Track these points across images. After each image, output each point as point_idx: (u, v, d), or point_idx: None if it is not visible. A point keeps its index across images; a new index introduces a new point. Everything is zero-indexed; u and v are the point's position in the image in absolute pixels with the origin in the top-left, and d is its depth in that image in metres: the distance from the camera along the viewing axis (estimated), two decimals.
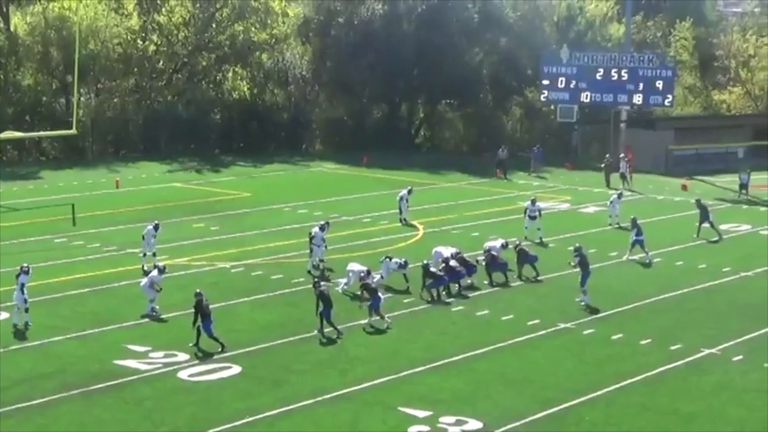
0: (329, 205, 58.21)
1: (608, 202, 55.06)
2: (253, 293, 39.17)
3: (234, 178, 69.28)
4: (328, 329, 33.81)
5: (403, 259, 39.92)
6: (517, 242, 43.57)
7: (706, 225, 50.74)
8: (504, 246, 42.67)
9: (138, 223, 49.51)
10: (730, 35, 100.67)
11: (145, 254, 42.57)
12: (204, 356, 31.82)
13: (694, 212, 55.38)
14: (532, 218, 49.28)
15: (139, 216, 52.63)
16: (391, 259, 39.39)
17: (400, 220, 53.27)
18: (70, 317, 35.64)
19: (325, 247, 42.85)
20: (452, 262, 39.29)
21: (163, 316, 35.74)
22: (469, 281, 39.86)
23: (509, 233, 47.38)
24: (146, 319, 35.50)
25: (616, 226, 53.16)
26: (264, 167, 73.81)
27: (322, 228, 42.82)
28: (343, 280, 39.22)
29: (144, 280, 37.00)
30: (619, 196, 55.35)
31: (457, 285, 39.23)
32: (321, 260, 42.46)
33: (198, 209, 56.59)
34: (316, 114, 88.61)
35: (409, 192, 54.54)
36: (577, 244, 40.39)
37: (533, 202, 50.06)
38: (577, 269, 38.82)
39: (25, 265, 35.28)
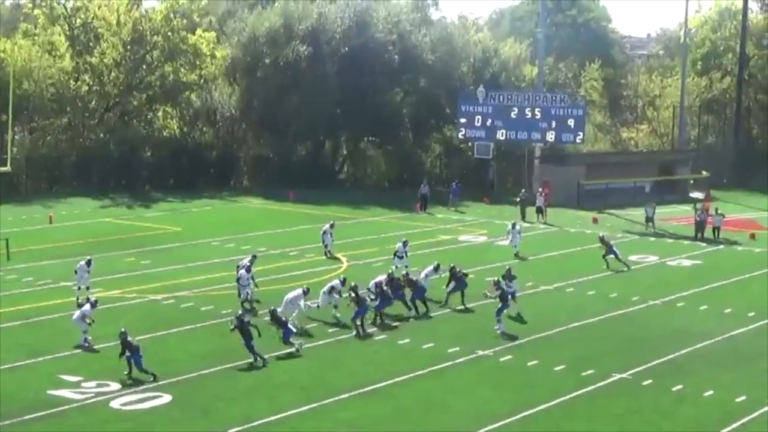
0: (256, 239, 59.21)
1: (507, 233, 57.70)
2: (183, 324, 39.83)
3: (164, 213, 70.31)
4: (251, 359, 34.82)
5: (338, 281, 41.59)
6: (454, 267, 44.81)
7: (611, 257, 53.31)
8: (436, 269, 44.72)
9: (71, 258, 50.40)
10: (637, 76, 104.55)
11: (79, 287, 43.12)
12: (135, 384, 32.45)
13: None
14: (400, 258, 49.52)
15: (72, 251, 53.39)
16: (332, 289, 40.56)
17: (325, 254, 54.78)
18: (4, 349, 35.67)
19: (255, 285, 43.71)
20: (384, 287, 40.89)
21: (95, 347, 36.23)
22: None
23: (428, 265, 49.41)
24: (79, 350, 35.91)
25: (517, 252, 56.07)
26: (193, 203, 74.97)
27: (248, 269, 43.38)
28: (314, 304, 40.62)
29: (76, 313, 37.68)
30: (513, 225, 57.93)
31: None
32: (248, 300, 42.91)
33: (129, 244, 57.19)
34: (243, 151, 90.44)
35: (332, 226, 56.16)
36: (496, 278, 41.81)
37: (404, 243, 50.26)
38: (496, 300, 40.15)
39: None
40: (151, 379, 32.98)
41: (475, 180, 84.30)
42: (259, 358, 34.71)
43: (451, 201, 75.42)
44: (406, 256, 49.66)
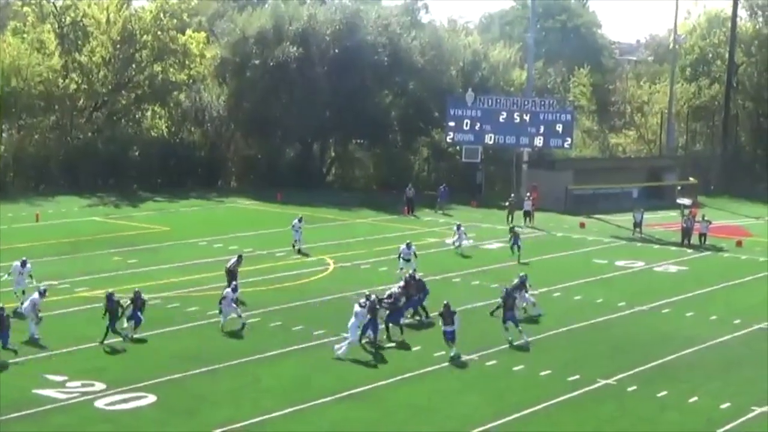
0: (244, 239, 59.17)
1: (453, 234, 59.11)
2: (168, 325, 39.67)
3: (152, 213, 70.39)
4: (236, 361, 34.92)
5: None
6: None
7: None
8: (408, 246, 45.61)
9: (58, 256, 50.77)
10: (626, 82, 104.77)
11: (15, 292, 41.65)
12: (119, 384, 32.19)
13: (592, 248, 58.55)
14: (407, 260, 49.16)
15: (59, 249, 53.57)
16: None
17: (294, 248, 55.75)
18: None
19: (236, 303, 40.96)
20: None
21: (81, 346, 36.16)
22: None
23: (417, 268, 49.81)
24: (64, 350, 35.69)
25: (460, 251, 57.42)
26: (181, 202, 75.12)
27: (234, 289, 41.16)
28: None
29: (26, 303, 37.81)
30: (458, 227, 59.13)
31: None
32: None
33: (116, 243, 57.08)
34: (231, 152, 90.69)
35: (300, 220, 57.27)
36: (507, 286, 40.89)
37: (408, 245, 49.82)
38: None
39: None
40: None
41: (462, 183, 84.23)
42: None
43: (439, 204, 75.53)
44: (415, 257, 49.32)
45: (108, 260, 51.95)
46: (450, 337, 36.32)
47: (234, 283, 42.20)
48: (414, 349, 37.52)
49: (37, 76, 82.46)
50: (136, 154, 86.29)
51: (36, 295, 37.65)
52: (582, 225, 69.82)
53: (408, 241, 50.82)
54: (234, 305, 39.73)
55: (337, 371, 34.58)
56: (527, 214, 69.61)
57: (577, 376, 34.59)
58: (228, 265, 44.65)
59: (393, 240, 60.55)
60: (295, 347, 37.14)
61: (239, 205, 75.35)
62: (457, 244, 58.28)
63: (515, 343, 38.13)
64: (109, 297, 37.19)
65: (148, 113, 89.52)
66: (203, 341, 37.65)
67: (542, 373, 35.00)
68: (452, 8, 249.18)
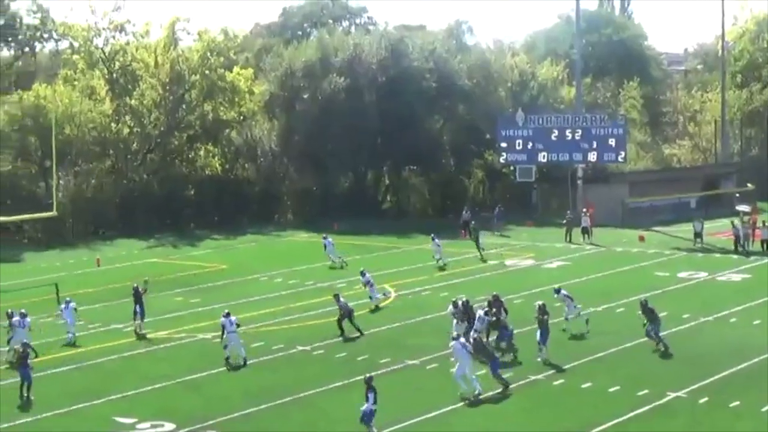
0: (303, 273, 59.25)
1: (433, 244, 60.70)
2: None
3: (210, 251, 70.70)
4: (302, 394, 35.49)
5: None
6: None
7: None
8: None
9: (120, 300, 50.93)
10: (676, 92, 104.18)
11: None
12: (189, 423, 32.14)
13: (652, 261, 58.14)
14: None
15: (121, 293, 53.08)
16: None
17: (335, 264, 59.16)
18: (58, 393, 35.69)
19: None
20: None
21: (149, 387, 36.15)
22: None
23: (477, 291, 49.58)
24: (133, 391, 35.61)
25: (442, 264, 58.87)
26: (238, 239, 75.45)
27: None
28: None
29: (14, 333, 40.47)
30: (433, 238, 60.87)
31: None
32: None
33: (177, 283, 57.45)
34: (286, 186, 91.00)
35: (324, 238, 61.41)
36: (542, 302, 40.37)
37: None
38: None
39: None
40: None
41: (518, 204, 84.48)
42: None
43: (496, 225, 75.38)
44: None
45: (170, 301, 52.19)
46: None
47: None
48: (479, 372, 37.12)
49: (90, 122, 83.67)
50: (192, 193, 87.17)
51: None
52: (641, 238, 69.42)
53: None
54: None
55: (403, 399, 34.36)
56: (585, 231, 69.43)
57: (646, 391, 34.18)
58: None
59: (451, 265, 60.70)
60: (362, 377, 36.88)
61: (296, 238, 75.54)
62: (437, 257, 59.82)
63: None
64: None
65: (201, 152, 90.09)
66: (270, 376, 37.68)
67: (611, 390, 34.67)
68: (497, 29, 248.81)
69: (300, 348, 40.93)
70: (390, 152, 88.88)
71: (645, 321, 40.08)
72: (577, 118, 78.52)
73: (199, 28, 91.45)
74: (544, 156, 78.54)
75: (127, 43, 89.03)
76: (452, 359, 35.81)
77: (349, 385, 35.95)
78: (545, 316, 38.64)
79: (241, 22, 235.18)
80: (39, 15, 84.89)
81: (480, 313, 40.58)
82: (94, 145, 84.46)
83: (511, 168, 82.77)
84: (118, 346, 42.54)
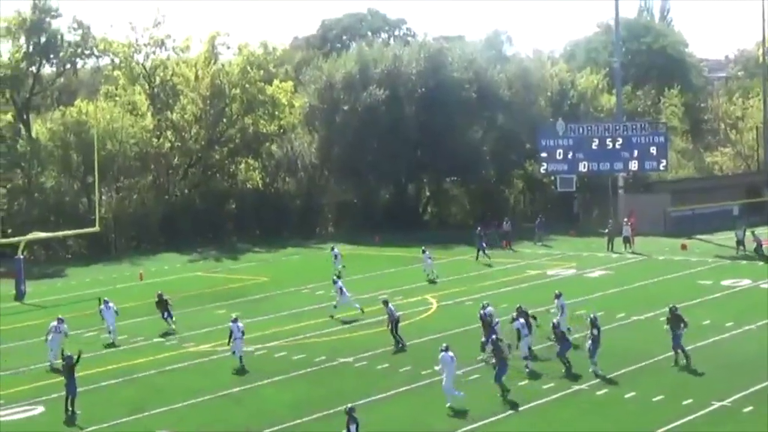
0: (345, 285, 57.21)
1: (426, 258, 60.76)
2: (277, 374, 39.48)
3: (252, 264, 70.88)
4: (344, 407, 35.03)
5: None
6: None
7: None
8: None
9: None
10: (717, 99, 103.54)
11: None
12: None
13: (695, 270, 57.70)
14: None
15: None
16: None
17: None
18: (104, 407, 35.74)
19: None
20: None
21: (193, 401, 36.14)
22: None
23: (519, 301, 49.38)
24: (176, 405, 35.68)
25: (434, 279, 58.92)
26: (280, 252, 75.58)
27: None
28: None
29: (50, 336, 41.86)
30: (423, 251, 60.86)
31: None
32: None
33: (219, 296, 57.65)
34: (326, 198, 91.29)
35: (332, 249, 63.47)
36: (593, 315, 39.80)
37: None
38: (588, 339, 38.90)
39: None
40: None
41: (559, 213, 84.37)
42: None
43: (537, 236, 75.27)
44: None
45: (212, 314, 52.18)
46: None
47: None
48: (521, 383, 37.16)
49: (132, 137, 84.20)
50: (233, 207, 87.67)
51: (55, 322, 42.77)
52: (684, 247, 69.20)
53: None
54: None
55: (444, 411, 34.22)
56: (627, 240, 69.21)
57: (691, 400, 33.97)
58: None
59: (492, 275, 60.61)
60: (404, 388, 37.01)
61: (338, 250, 75.41)
62: (426, 270, 60.46)
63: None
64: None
65: (242, 166, 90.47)
66: (313, 388, 37.62)
67: (655, 399, 34.44)
68: (536, 39, 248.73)
69: (342, 360, 40.96)
70: (430, 163, 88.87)
71: (669, 329, 39.39)
72: (617, 127, 78.14)
73: (239, 42, 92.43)
74: (584, 165, 78.20)
75: (168, 59, 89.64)
76: (437, 368, 36.01)
77: (391, 397, 35.93)
78: (596, 330, 38.14)
79: (281, 36, 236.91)
80: (80, 32, 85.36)
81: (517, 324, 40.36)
82: (136, 160, 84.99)
83: (552, 178, 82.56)
84: (161, 359, 42.71)
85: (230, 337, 41.44)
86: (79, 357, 35.73)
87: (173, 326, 48.42)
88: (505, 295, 53.24)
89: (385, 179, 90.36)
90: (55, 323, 43.39)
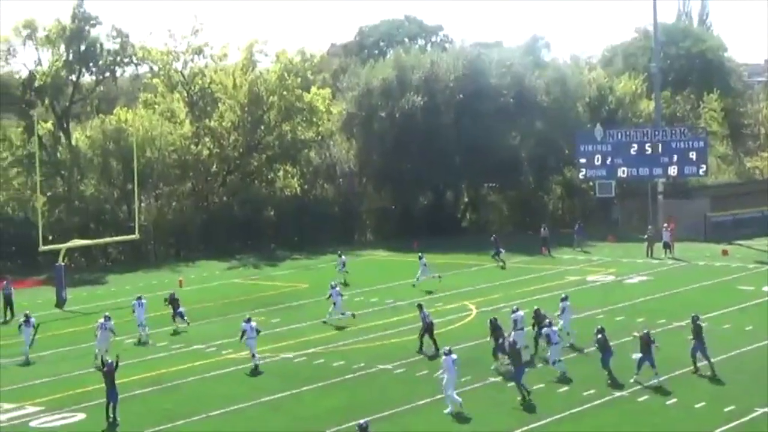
0: (384, 291, 59.40)
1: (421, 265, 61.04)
2: (316, 381, 39.49)
3: (291, 271, 70.89)
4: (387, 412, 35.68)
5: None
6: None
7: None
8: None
9: (203, 320, 51.76)
10: (757, 103, 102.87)
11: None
12: None
13: (736, 276, 57.39)
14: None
15: (204, 313, 54.25)
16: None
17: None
18: (143, 414, 35.84)
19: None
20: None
21: (232, 407, 36.21)
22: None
23: (557, 308, 49.45)
24: (214, 412, 35.71)
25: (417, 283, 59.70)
26: (318, 258, 75.50)
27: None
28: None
29: (98, 333, 43.50)
30: (420, 257, 61.25)
31: None
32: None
33: (258, 303, 57.61)
34: (365, 205, 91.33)
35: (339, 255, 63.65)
36: (646, 330, 39.59)
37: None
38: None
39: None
40: None
41: (598, 219, 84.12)
42: None
43: (576, 242, 75.04)
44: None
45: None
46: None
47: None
48: (561, 390, 37.08)
49: (170, 145, 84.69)
50: (272, 214, 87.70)
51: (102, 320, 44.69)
52: (724, 252, 68.96)
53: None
54: None
55: (487, 417, 34.28)
56: (667, 246, 68.94)
57: (733, 407, 33.81)
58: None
59: (531, 281, 60.52)
60: (443, 395, 36.85)
61: (376, 257, 75.63)
62: (420, 278, 60.83)
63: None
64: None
65: (280, 173, 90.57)
66: (352, 395, 37.69)
67: (697, 405, 34.34)
68: (574, 44, 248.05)
69: (381, 366, 40.99)
70: (468, 170, 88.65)
71: (692, 338, 39.09)
72: (656, 132, 77.81)
73: (277, 49, 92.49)
74: (623, 171, 77.92)
75: (206, 66, 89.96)
76: (439, 371, 36.29)
77: (431, 404, 35.83)
78: (652, 342, 37.87)
79: (318, 43, 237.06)
80: (119, 40, 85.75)
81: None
82: (175, 167, 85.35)
83: (591, 183, 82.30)
84: (200, 366, 42.81)
85: (242, 336, 42.54)
86: (117, 363, 35.90)
87: (183, 326, 50.44)
88: (544, 301, 52.74)
89: (424, 186, 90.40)
90: (101, 321, 44.81)
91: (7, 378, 42.05)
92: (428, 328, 43.62)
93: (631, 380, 37.19)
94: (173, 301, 51.59)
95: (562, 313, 43.80)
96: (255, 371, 41.47)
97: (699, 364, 38.49)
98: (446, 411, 34.58)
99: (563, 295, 45.44)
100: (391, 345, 44.82)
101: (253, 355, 42.48)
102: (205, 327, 50.25)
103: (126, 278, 70.91)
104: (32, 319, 46.84)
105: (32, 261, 73.83)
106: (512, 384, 36.99)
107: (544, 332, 39.79)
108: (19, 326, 46.88)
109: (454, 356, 35.45)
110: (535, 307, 44.10)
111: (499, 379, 38.63)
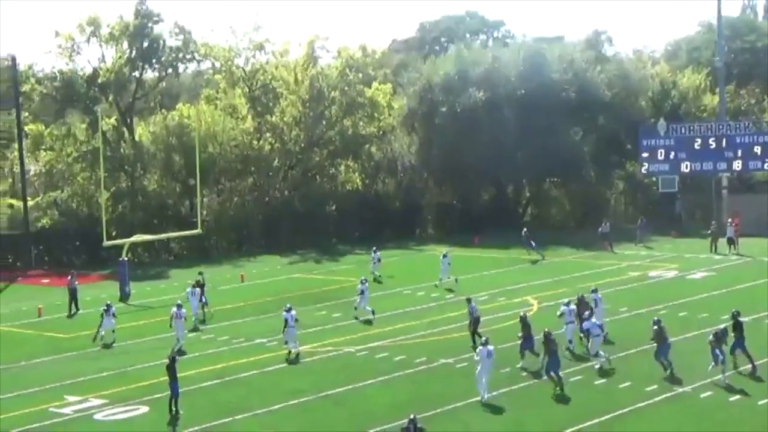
0: (445, 285, 59.20)
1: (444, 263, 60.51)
2: (378, 375, 39.65)
3: (352, 266, 70.89)
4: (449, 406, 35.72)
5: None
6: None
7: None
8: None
9: (264, 315, 52.05)
10: None
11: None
12: None
13: None
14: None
15: (264, 308, 54.39)
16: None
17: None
18: (203, 408, 36.04)
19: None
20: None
21: (292, 402, 36.41)
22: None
23: (619, 303, 49.53)
24: (275, 406, 35.88)
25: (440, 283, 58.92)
26: (380, 253, 75.83)
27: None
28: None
29: (174, 322, 45.91)
30: (444, 255, 60.71)
31: None
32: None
33: (319, 298, 57.78)
34: (426, 200, 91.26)
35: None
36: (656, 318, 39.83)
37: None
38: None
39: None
40: None
41: (661, 214, 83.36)
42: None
43: (639, 237, 74.57)
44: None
45: (312, 316, 52.32)
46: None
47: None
48: (623, 385, 36.88)
49: (232, 140, 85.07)
50: (333, 208, 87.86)
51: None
52: None
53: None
54: None
55: (547, 412, 34.29)
56: (731, 241, 68.31)
57: None
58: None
59: (593, 277, 60.11)
60: (504, 390, 36.86)
61: (437, 251, 75.17)
62: (442, 276, 60.43)
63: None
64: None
65: (342, 168, 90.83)
66: (414, 389, 37.70)
67: (761, 402, 34.07)
68: (637, 38, 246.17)
69: (443, 361, 41.00)
70: (530, 165, 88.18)
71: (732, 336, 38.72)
72: (720, 127, 77.26)
73: (338, 45, 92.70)
74: (687, 166, 77.47)
75: (267, 62, 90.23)
76: (475, 358, 36.70)
77: (491, 399, 35.71)
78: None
79: (379, 39, 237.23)
80: (181, 37, 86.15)
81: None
82: (237, 162, 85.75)
83: (654, 178, 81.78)
84: (262, 360, 43.03)
85: (285, 325, 43.59)
86: (174, 359, 36.31)
87: (207, 311, 53.27)
88: (606, 296, 52.48)
89: (485, 181, 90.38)
90: (175, 309, 46.56)
91: (72, 371, 42.47)
92: (475, 322, 43.84)
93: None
94: (196, 285, 53.83)
95: (596, 305, 43.89)
96: (295, 360, 42.50)
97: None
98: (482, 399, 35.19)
99: (593, 287, 45.99)
100: (453, 340, 44.79)
101: (286, 342, 43.80)
102: (266, 321, 50.41)
103: (188, 273, 70.47)
104: (113, 309, 48.75)
105: (96, 256, 74.59)
106: (576, 378, 37.01)
107: (584, 326, 40.23)
108: (101, 314, 48.18)
109: (490, 347, 36.11)
110: (580, 295, 44.42)
111: (560, 374, 38.38)
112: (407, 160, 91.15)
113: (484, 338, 37.68)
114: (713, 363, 36.63)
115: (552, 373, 36.61)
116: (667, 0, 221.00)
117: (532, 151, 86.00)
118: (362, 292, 51.94)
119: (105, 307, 48.08)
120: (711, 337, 37.08)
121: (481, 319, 45.05)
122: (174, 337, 45.94)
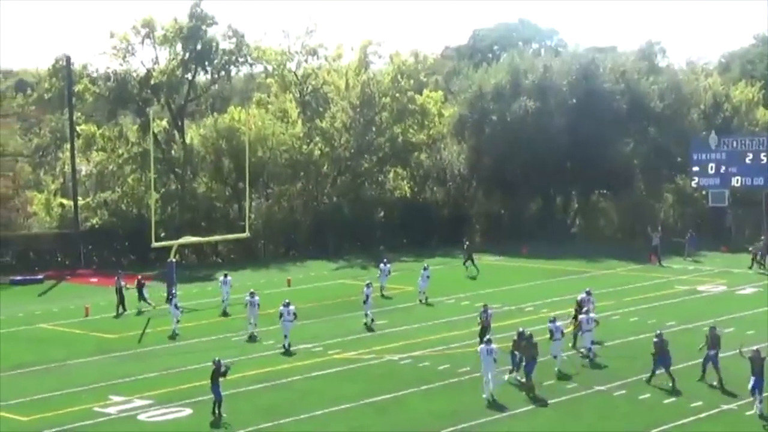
0: (491, 295, 58.72)
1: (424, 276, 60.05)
2: (421, 384, 39.59)
3: (399, 273, 70.06)
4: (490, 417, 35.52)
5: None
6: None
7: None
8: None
9: (310, 320, 51.96)
10: None
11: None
12: None
13: None
14: None
15: (310, 313, 54.17)
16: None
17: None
18: (247, 412, 36.13)
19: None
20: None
21: (337, 408, 36.50)
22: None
23: (667, 317, 49.19)
24: (318, 412, 35.99)
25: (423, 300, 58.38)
26: (427, 261, 75.12)
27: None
28: None
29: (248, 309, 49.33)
30: (425, 268, 60.52)
31: None
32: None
33: None
34: (474, 209, 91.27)
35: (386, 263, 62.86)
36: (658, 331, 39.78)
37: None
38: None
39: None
40: None
41: (711, 229, 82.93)
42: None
43: (687, 251, 74.13)
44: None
45: (358, 322, 52.41)
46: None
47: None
48: (668, 400, 36.63)
49: (282, 144, 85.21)
50: (381, 215, 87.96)
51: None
52: None
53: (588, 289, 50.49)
54: None
55: (588, 425, 34.13)
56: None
57: None
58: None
59: (641, 290, 59.89)
60: (548, 402, 36.80)
61: (485, 261, 75.07)
62: (421, 288, 60.05)
63: None
64: None
65: (391, 175, 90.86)
66: (457, 399, 37.64)
67: None
68: (690, 50, 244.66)
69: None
70: (579, 175, 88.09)
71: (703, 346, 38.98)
72: None
73: (390, 51, 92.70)
74: (737, 180, 76.59)
75: (319, 67, 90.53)
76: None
77: (532, 411, 35.84)
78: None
79: (432, 45, 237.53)
80: (234, 40, 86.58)
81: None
82: (286, 167, 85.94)
83: (703, 192, 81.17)
84: (306, 365, 43.14)
85: (281, 317, 46.56)
86: (226, 371, 36.43)
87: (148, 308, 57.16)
88: (653, 310, 52.79)
89: (534, 191, 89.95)
90: (248, 297, 50.13)
91: (118, 371, 42.83)
92: (485, 328, 44.54)
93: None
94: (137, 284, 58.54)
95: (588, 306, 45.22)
96: (287, 352, 44.69)
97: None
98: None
99: (587, 289, 47.80)
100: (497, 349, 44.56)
101: (285, 336, 46.15)
102: (312, 326, 50.54)
103: (235, 276, 70.29)
104: (257, 297, 50.48)
105: (144, 257, 74.99)
106: (621, 392, 36.83)
107: (580, 318, 42.52)
108: (245, 304, 50.75)
109: (491, 346, 37.44)
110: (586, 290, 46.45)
111: (604, 387, 38.29)
112: (456, 169, 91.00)
113: (487, 337, 38.80)
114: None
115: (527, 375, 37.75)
116: (722, 12, 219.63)
117: (581, 162, 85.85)
118: (367, 297, 52.42)
119: (249, 295, 50.49)
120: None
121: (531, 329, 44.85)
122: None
